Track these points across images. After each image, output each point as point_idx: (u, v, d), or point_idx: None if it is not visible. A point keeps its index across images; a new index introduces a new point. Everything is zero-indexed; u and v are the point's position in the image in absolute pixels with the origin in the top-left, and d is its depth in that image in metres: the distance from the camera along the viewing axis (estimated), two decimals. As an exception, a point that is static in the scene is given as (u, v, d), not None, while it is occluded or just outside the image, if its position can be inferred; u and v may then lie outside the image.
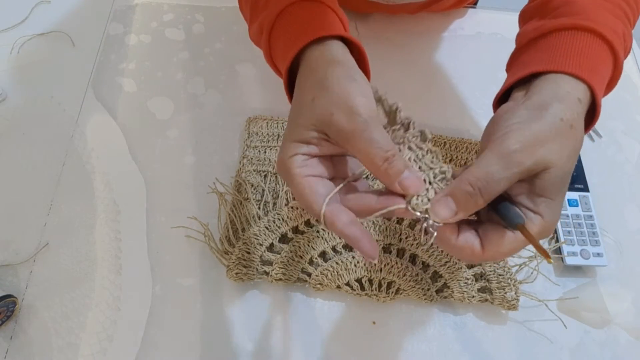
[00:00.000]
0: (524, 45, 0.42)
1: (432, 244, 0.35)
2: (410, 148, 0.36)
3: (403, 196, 0.34)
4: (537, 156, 0.33)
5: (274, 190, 0.57)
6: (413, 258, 0.53)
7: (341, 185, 0.36)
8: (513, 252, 0.34)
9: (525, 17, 0.46)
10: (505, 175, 0.32)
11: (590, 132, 0.66)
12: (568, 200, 0.58)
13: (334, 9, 0.42)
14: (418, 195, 0.34)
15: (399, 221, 0.55)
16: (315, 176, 0.35)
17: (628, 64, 0.72)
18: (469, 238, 0.34)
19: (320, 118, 0.35)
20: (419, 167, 0.35)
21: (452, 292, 0.51)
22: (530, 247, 0.54)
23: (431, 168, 0.35)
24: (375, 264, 0.35)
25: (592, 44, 0.38)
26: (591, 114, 0.38)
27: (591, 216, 0.57)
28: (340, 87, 0.35)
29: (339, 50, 0.38)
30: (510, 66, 0.44)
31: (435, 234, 0.34)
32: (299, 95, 0.38)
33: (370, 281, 0.52)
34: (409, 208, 0.34)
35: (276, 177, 0.57)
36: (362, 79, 0.37)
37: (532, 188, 0.34)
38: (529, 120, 0.34)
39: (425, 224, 0.34)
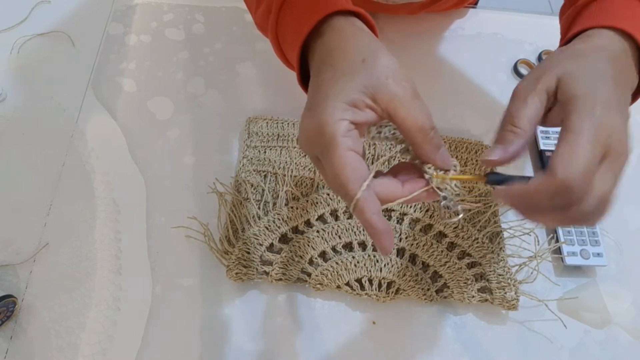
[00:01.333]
0: (577, 14, 0.42)
1: (457, 224, 0.35)
2: None
3: (424, 179, 0.34)
4: (552, 66, 0.34)
5: (274, 190, 0.57)
6: (413, 258, 0.53)
7: (374, 170, 0.34)
8: (587, 161, 0.31)
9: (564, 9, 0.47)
10: (518, 101, 0.34)
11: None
12: (568, 200, 0.58)
13: None
14: (439, 177, 0.34)
15: (399, 221, 0.55)
16: (357, 152, 0.33)
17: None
18: (532, 180, 0.33)
19: (376, 80, 0.33)
20: None
21: (452, 292, 0.51)
22: (530, 247, 0.55)
23: None
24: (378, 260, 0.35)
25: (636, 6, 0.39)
26: None
27: (591, 216, 0.57)
28: (388, 54, 0.34)
29: (363, 24, 0.38)
30: (565, 25, 0.45)
31: (461, 215, 0.34)
32: (340, 56, 0.35)
33: (370, 281, 0.52)
34: (435, 189, 0.34)
35: (276, 177, 0.57)
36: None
37: (561, 105, 0.34)
38: (564, 49, 0.36)
39: (448, 204, 0.34)
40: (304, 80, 0.41)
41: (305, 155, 0.58)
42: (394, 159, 0.58)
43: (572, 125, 0.32)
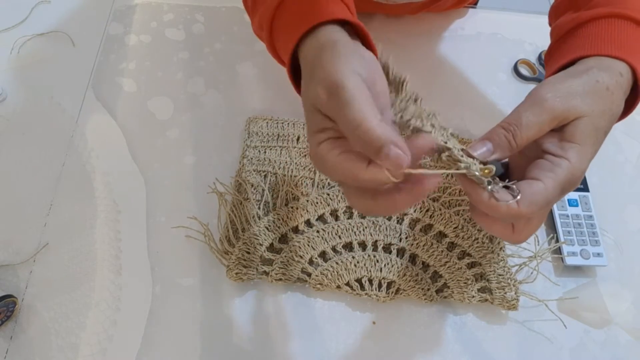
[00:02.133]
0: (562, 37, 0.43)
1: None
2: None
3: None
4: (569, 105, 0.34)
5: (274, 190, 0.57)
6: (413, 258, 0.53)
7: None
8: (548, 202, 0.33)
9: (557, 12, 0.47)
10: (537, 120, 0.34)
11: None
12: (568, 200, 0.58)
13: None
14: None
15: (399, 221, 0.55)
16: (351, 151, 0.33)
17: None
18: (503, 194, 0.33)
19: (312, 102, 0.34)
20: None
21: (452, 292, 0.51)
22: (530, 247, 0.55)
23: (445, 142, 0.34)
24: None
25: (627, 28, 0.39)
26: (633, 98, 0.39)
27: (591, 216, 0.57)
28: (327, 66, 0.33)
29: (331, 34, 0.37)
30: (549, 57, 0.45)
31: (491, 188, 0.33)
32: (302, 88, 0.37)
33: (370, 281, 0.52)
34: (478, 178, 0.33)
35: (276, 177, 0.57)
36: (355, 54, 0.35)
37: (562, 135, 0.34)
38: (565, 77, 0.36)
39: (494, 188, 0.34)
40: (296, 77, 0.42)
41: (305, 155, 0.59)
42: None
43: (558, 167, 0.34)
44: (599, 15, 0.40)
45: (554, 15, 0.48)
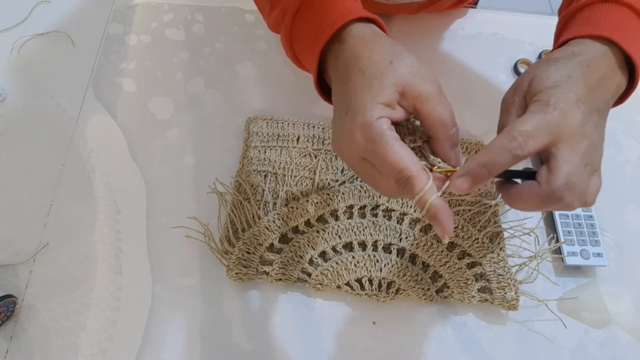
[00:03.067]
0: (565, 23, 0.45)
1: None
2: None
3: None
4: (531, 73, 0.37)
5: (274, 190, 0.57)
6: (413, 258, 0.53)
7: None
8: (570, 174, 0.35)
9: (566, 1, 0.49)
10: (512, 99, 0.37)
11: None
12: (568, 200, 0.58)
13: None
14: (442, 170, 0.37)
15: (399, 221, 0.55)
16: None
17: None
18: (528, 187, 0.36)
19: (405, 79, 0.36)
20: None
21: (452, 292, 0.51)
22: (530, 247, 0.55)
23: None
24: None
25: (620, 12, 0.40)
26: (630, 82, 0.41)
27: (591, 216, 0.57)
28: (412, 55, 0.37)
29: (355, 37, 0.39)
30: (556, 32, 0.47)
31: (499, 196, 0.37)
32: (368, 60, 0.37)
33: (370, 281, 0.52)
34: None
35: (276, 177, 0.57)
36: (383, 65, 0.37)
37: (547, 156, 0.36)
38: (539, 65, 0.38)
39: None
40: (320, 83, 0.43)
41: (306, 155, 0.59)
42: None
43: (529, 120, 0.35)
44: (588, 2, 0.42)
45: (564, 6, 0.49)
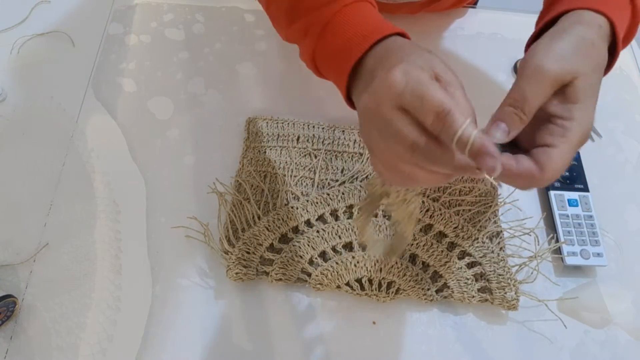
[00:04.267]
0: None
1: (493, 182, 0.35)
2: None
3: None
4: (565, 68, 0.35)
5: (274, 190, 0.57)
6: (413, 258, 0.53)
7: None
8: (567, 164, 0.36)
9: None
10: (540, 90, 0.35)
11: (590, 132, 0.66)
12: (568, 200, 0.58)
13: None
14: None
15: (399, 221, 0.55)
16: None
17: (628, 65, 0.72)
18: (526, 163, 0.35)
19: (438, 62, 0.38)
20: None
21: (452, 292, 0.51)
22: (530, 247, 0.55)
23: None
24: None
25: None
26: (611, 54, 0.41)
27: (591, 216, 0.57)
28: (395, 59, 0.36)
29: (395, 42, 0.40)
30: (539, 21, 0.47)
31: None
32: (393, 58, 0.37)
33: (370, 281, 0.52)
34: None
35: (276, 177, 0.57)
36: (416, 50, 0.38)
37: (564, 98, 0.36)
38: (551, 41, 0.37)
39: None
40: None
41: (305, 155, 0.59)
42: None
43: (569, 130, 0.36)
44: None
45: None
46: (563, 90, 0.36)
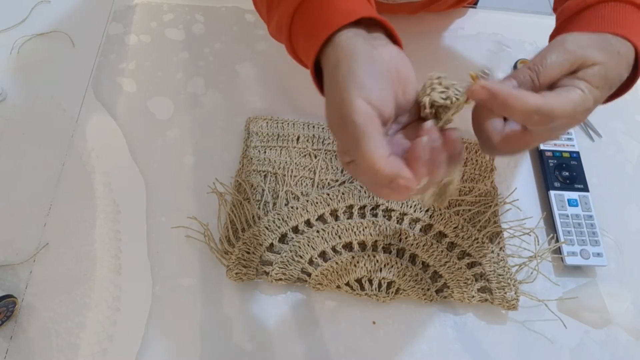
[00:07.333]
0: (568, 18, 0.45)
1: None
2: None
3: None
4: (587, 52, 0.37)
5: (274, 190, 0.57)
6: (413, 258, 0.53)
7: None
8: (556, 117, 0.36)
9: None
10: (559, 61, 0.37)
11: (590, 132, 0.66)
12: (568, 200, 0.58)
13: None
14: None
15: (399, 221, 0.55)
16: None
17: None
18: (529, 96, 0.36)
19: (329, 125, 0.38)
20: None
21: (452, 292, 0.51)
22: (530, 247, 0.55)
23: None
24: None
25: (631, 13, 0.42)
26: (633, 76, 0.42)
27: (591, 216, 0.57)
28: (340, 91, 0.35)
29: (348, 41, 0.37)
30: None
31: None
32: (326, 95, 0.39)
33: (370, 281, 0.52)
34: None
35: (276, 177, 0.57)
36: (370, 67, 0.35)
37: (576, 75, 0.37)
38: (584, 33, 0.39)
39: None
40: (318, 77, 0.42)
41: (305, 155, 0.59)
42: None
43: (572, 91, 0.37)
44: (592, 2, 0.43)
45: (560, 1, 0.50)
46: (577, 71, 0.38)
